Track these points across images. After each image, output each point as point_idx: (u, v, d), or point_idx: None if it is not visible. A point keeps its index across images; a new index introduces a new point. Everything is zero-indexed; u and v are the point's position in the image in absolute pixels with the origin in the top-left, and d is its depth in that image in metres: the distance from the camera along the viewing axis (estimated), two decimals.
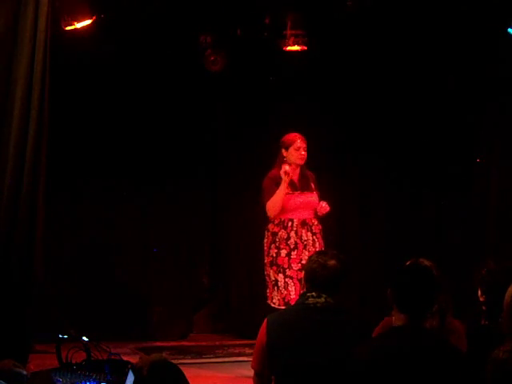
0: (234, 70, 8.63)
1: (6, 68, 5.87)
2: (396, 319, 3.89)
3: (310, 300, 4.39)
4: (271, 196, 7.15)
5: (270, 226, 7.23)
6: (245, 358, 7.40)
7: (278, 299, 7.12)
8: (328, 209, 7.21)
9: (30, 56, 5.85)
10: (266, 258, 7.24)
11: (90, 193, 8.65)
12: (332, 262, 4.45)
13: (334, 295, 4.47)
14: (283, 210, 7.15)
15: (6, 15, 5.85)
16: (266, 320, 4.48)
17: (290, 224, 7.16)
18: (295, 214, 7.18)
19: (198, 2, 7.78)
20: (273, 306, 7.14)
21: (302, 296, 4.52)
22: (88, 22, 7.48)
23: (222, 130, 9.10)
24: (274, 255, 7.15)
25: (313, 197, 7.25)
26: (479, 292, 4.62)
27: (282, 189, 7.12)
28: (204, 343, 8.70)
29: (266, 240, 7.25)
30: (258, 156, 8.93)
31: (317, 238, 7.20)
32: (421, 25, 8.02)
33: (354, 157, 8.90)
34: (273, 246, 7.17)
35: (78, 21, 7.43)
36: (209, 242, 9.32)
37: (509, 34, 7.70)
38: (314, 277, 4.43)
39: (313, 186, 7.29)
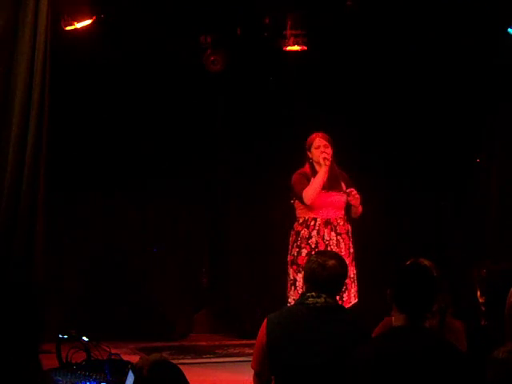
0: (234, 70, 8.63)
1: (6, 68, 5.86)
2: (396, 319, 3.89)
3: (310, 300, 4.39)
4: (303, 186, 7.01)
5: (295, 225, 7.11)
6: (245, 358, 7.39)
7: (294, 299, 7.01)
8: (358, 197, 7.04)
9: (30, 56, 5.84)
10: (288, 256, 7.12)
11: (89, 193, 8.65)
12: (331, 262, 4.45)
13: (333, 295, 4.48)
14: (308, 208, 7.07)
15: (6, 15, 5.84)
16: (265, 320, 4.48)
17: (313, 223, 7.03)
18: (319, 212, 7.04)
19: (197, 2, 7.78)
20: (289, 306, 7.05)
21: (302, 296, 4.52)
22: (88, 22, 7.48)
23: (222, 130, 9.10)
24: (295, 254, 7.00)
25: (340, 196, 7.11)
26: (478, 293, 4.63)
27: (321, 174, 7.00)
28: (204, 343, 8.70)
29: (290, 239, 7.11)
30: (257, 156, 8.94)
31: (342, 239, 7.05)
32: (421, 24, 8.02)
33: (353, 156, 8.88)
34: (295, 244, 7.03)
35: (78, 21, 7.44)
36: (209, 242, 9.32)
37: (509, 33, 7.71)
38: (313, 277, 4.43)
39: (343, 185, 7.17)
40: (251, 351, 4.74)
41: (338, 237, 7.06)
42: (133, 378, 3.44)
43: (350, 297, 7.04)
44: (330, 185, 7.09)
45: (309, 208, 7.05)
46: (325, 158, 7.03)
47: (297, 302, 4.61)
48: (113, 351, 5.16)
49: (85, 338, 5.20)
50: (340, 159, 7.25)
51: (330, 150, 7.10)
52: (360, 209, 7.15)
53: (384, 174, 9.01)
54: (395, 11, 7.92)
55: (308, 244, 7.01)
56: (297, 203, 7.16)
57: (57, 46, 6.15)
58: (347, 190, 7.10)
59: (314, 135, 7.18)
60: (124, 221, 8.86)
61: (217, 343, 8.70)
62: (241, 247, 9.16)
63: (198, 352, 8.25)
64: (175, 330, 8.90)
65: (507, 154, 8.65)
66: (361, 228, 7.64)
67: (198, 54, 8.46)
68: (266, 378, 4.47)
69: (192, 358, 7.94)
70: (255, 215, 9.08)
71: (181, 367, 3.45)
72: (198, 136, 8.95)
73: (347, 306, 6.86)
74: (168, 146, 8.81)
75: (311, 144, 7.14)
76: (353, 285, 7.12)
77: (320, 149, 7.09)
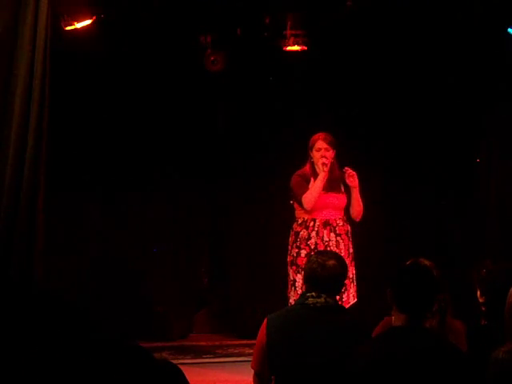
0: (234, 69, 8.63)
1: (6, 68, 5.86)
2: (396, 319, 3.89)
3: (310, 300, 4.39)
4: (302, 190, 7.00)
5: (294, 226, 7.11)
6: (245, 358, 7.40)
7: (294, 299, 6.99)
8: (354, 173, 7.02)
9: (30, 56, 5.84)
10: (287, 257, 7.11)
11: (89, 193, 8.64)
12: (331, 262, 4.45)
13: (333, 295, 4.48)
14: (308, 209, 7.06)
15: (6, 15, 5.84)
16: (265, 320, 4.48)
17: (311, 224, 7.02)
18: (319, 213, 7.03)
19: (197, 2, 7.78)
20: (289, 306, 7.04)
21: (302, 296, 4.52)
22: (88, 22, 7.48)
23: (222, 130, 9.09)
24: (295, 255, 7.00)
25: (339, 197, 7.11)
26: (478, 293, 4.62)
27: (320, 180, 6.98)
28: (204, 343, 8.70)
29: (290, 239, 7.11)
30: (257, 156, 8.94)
31: (342, 239, 7.04)
32: (421, 24, 8.02)
33: (353, 157, 8.89)
34: (294, 245, 7.03)
35: (78, 21, 7.44)
36: (209, 242, 9.32)
37: (509, 33, 7.71)
38: (313, 277, 4.43)
39: (342, 187, 7.15)
40: (251, 351, 4.74)
41: (338, 237, 7.05)
42: None
43: (349, 297, 7.04)
44: (330, 186, 7.08)
45: (308, 210, 7.05)
46: (323, 164, 6.99)
47: (297, 302, 4.61)
48: None
49: None
50: (340, 159, 7.24)
51: (330, 153, 7.06)
52: (361, 207, 7.13)
53: (384, 173, 9.01)
54: (395, 11, 7.92)
55: (307, 245, 7.00)
56: (296, 204, 7.17)
57: (57, 46, 6.15)
58: (343, 170, 7.08)
59: (316, 136, 7.13)
60: (124, 221, 8.85)
61: (217, 343, 8.69)
62: (241, 247, 9.16)
63: (198, 352, 8.25)
64: (175, 330, 8.89)
65: (507, 153, 8.65)
66: (360, 228, 7.65)
67: (197, 54, 8.46)
68: (266, 378, 4.47)
69: (192, 358, 7.95)
70: (255, 215, 9.08)
71: (181, 367, 3.44)
72: (198, 136, 8.94)
73: (346, 306, 6.85)
74: (168, 146, 8.80)
75: (313, 145, 7.10)
76: (352, 285, 7.11)
77: (320, 152, 7.04)
